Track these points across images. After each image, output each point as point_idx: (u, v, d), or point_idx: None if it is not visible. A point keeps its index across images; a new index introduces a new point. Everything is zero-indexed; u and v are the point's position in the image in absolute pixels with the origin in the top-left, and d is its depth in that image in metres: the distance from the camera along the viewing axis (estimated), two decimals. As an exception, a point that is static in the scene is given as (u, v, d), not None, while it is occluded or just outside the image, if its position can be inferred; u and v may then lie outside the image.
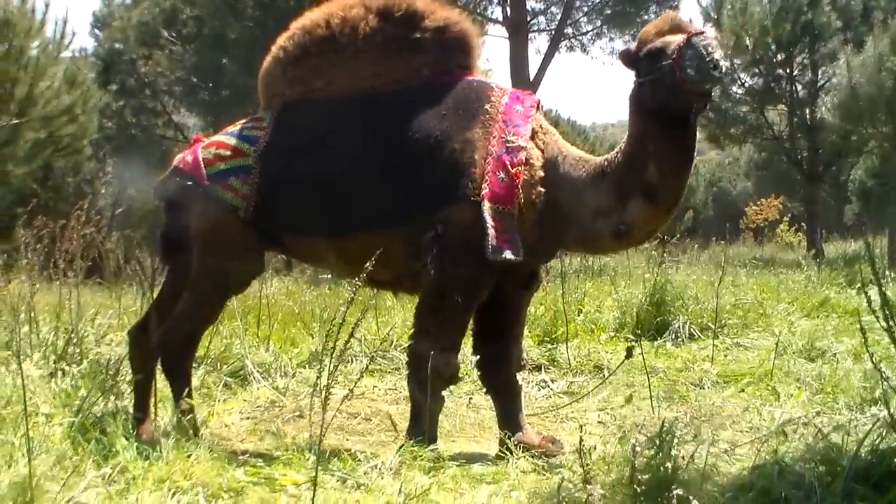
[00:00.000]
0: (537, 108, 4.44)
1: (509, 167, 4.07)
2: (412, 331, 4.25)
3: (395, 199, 4.19)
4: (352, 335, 3.11)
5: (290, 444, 4.12)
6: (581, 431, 3.74)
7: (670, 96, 3.93)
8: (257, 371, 5.98)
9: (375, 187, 4.23)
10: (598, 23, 27.96)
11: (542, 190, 4.20)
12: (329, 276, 9.79)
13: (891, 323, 2.69)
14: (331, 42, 4.43)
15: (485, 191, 4.02)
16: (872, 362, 2.97)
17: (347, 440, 4.75)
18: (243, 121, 4.64)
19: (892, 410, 3.09)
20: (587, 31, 28.34)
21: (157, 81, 28.11)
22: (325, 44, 4.44)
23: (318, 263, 4.80)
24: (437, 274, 4.08)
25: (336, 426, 4.85)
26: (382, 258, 4.14)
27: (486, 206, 4.00)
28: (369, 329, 7.13)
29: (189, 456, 3.57)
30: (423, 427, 4.13)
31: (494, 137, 4.15)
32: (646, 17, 27.04)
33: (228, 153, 4.39)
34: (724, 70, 4.00)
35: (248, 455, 3.97)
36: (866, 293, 3.00)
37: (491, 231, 3.96)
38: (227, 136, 4.51)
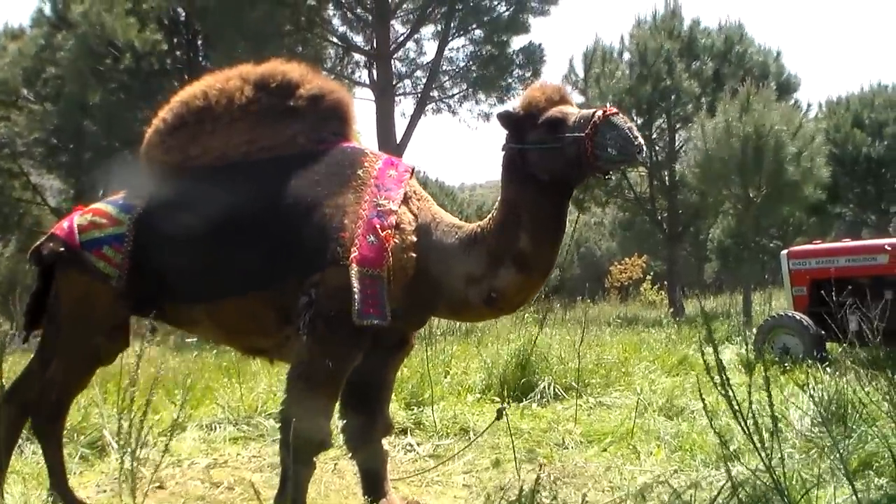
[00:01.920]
0: (411, 174, 4.45)
1: (379, 230, 4.04)
2: (283, 397, 4.18)
3: (266, 264, 4.14)
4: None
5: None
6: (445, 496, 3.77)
7: (568, 167, 3.96)
8: (116, 441, 5.77)
9: (246, 252, 4.17)
10: (464, 85, 28.46)
11: (414, 255, 4.18)
12: (195, 341, 9.60)
13: (727, 385, 2.79)
14: (207, 112, 4.43)
15: (354, 254, 3.98)
16: (712, 425, 3.06)
17: (209, 511, 4.63)
18: (122, 192, 4.59)
19: (731, 474, 3.19)
20: (454, 94, 28.82)
21: (15, 142, 27.19)
22: (202, 113, 4.43)
23: (196, 330, 4.67)
24: (309, 340, 4.01)
25: (198, 496, 4.73)
26: (257, 324, 4.09)
27: (354, 269, 3.95)
28: (233, 395, 7.00)
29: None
30: (290, 494, 4.05)
31: (366, 202, 4.13)
32: (509, 80, 27.76)
33: (104, 221, 4.34)
34: (644, 151, 4.08)
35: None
36: (703, 356, 3.09)
37: (357, 295, 3.92)
38: (105, 204, 4.47)
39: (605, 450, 5.79)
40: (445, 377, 8.13)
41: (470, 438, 6.03)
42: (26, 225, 29.77)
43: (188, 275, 4.23)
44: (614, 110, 3.94)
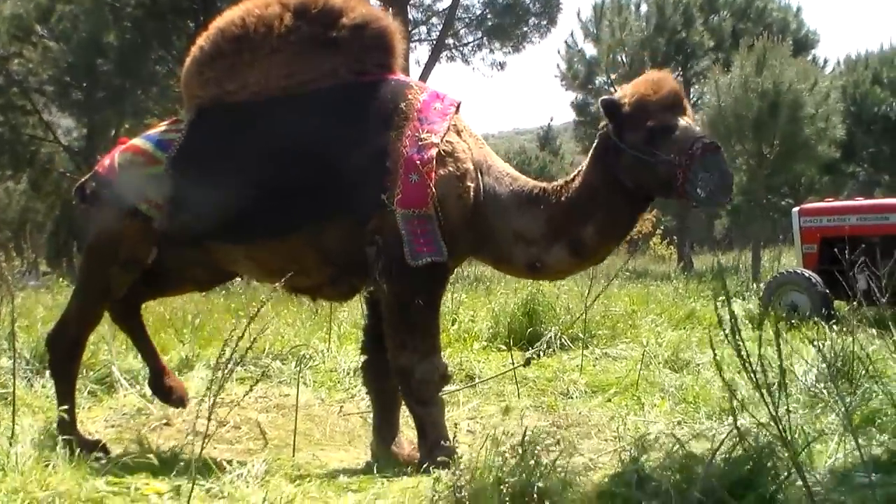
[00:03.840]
0: (457, 108, 4.32)
1: (420, 167, 3.95)
2: (390, 347, 4.12)
3: (305, 206, 4.09)
4: (234, 349, 3.05)
5: (156, 452, 4.03)
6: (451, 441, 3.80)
7: (656, 186, 3.92)
8: (124, 378, 5.83)
9: (284, 194, 4.11)
10: (479, 34, 28.24)
11: (471, 184, 4.11)
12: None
13: (737, 336, 2.79)
14: (245, 40, 4.29)
15: (398, 196, 3.93)
16: (722, 377, 3.07)
17: (215, 449, 4.66)
18: (165, 122, 4.55)
19: (738, 425, 3.20)
20: (468, 42, 28.61)
21: (28, 79, 27.08)
22: (240, 42, 4.30)
23: (238, 268, 4.61)
24: (390, 287, 3.99)
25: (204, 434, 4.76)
26: (298, 265, 4.04)
27: (399, 213, 3.92)
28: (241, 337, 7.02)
29: (47, 465, 3.46)
30: (430, 437, 4.01)
31: (407, 137, 4.03)
32: (524, 29, 27.48)
33: (142, 160, 4.32)
34: (732, 195, 3.98)
35: (111, 464, 3.87)
36: (716, 309, 3.09)
37: (406, 237, 3.91)
38: (144, 141, 4.42)
39: (609, 400, 5.82)
40: (453, 325, 8.16)
41: (476, 386, 6.07)
42: (39, 163, 29.75)
43: (226, 216, 4.12)
44: (715, 145, 3.84)
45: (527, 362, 4.88)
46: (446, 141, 4.10)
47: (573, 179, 4.19)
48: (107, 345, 6.32)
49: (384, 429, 4.45)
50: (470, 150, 4.19)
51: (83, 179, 4.52)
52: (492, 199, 4.17)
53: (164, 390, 4.73)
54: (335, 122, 4.14)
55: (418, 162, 3.95)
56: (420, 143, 4.01)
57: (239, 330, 2.92)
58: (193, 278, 4.67)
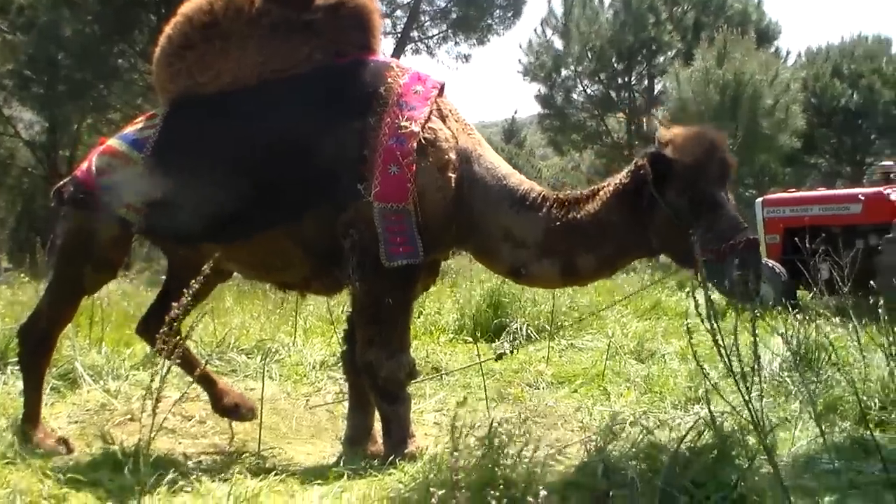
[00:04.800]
0: (440, 90, 4.18)
1: (400, 158, 3.82)
2: (358, 343, 4.06)
3: (284, 199, 3.96)
4: (186, 336, 3.02)
5: (120, 447, 3.98)
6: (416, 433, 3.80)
7: (682, 254, 3.77)
8: (88, 373, 5.75)
9: (261, 188, 3.96)
10: (444, 27, 28.23)
11: (453, 176, 3.97)
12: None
13: (714, 324, 2.81)
14: (214, 28, 4.13)
15: (375, 189, 3.80)
16: (697, 361, 3.08)
17: (180, 443, 4.63)
18: (141, 119, 4.41)
19: (711, 408, 3.22)
20: (433, 35, 28.59)
21: (-13, 73, 26.70)
22: (209, 30, 4.14)
23: (225, 266, 4.40)
24: (362, 283, 3.90)
25: (169, 429, 4.72)
26: (282, 260, 3.98)
27: (377, 206, 3.80)
28: (206, 330, 6.97)
29: (8, 462, 3.42)
30: (394, 434, 3.98)
31: (387, 125, 3.88)
32: (489, 22, 27.51)
33: (119, 162, 4.21)
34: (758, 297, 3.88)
35: (73, 460, 3.83)
36: (694, 296, 3.10)
37: (382, 235, 3.80)
38: (119, 142, 4.29)
39: (575, 391, 5.83)
40: (419, 317, 8.14)
41: (442, 378, 6.06)
42: (-1, 158, 29.42)
43: (202, 216, 3.98)
44: (756, 242, 3.79)
45: (499, 357, 4.86)
46: (428, 128, 3.97)
47: (587, 200, 4.03)
48: (70, 340, 6.25)
49: (357, 418, 4.35)
50: (454, 138, 4.06)
51: (61, 183, 4.44)
52: (480, 190, 4.05)
53: (231, 409, 4.68)
54: (312, 109, 3.99)
55: (398, 153, 3.83)
56: (400, 131, 3.88)
57: (203, 324, 2.86)
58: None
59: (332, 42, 4.15)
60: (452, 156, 3.99)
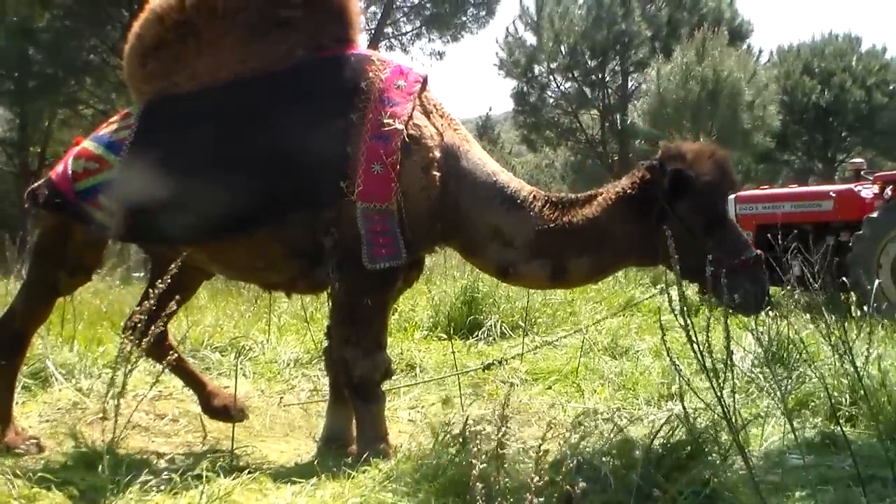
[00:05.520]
0: (423, 84, 4.10)
1: (384, 156, 3.75)
2: (334, 340, 4.06)
3: (265, 199, 3.88)
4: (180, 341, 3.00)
5: (91, 446, 3.95)
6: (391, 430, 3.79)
7: (689, 267, 3.48)
8: (59, 372, 5.71)
9: (243, 188, 3.87)
10: (418, 23, 28.25)
11: (437, 174, 3.91)
12: (142, 274, 9.48)
13: (687, 321, 2.82)
14: (187, 27, 4.04)
15: (358, 188, 3.75)
16: (670, 358, 3.09)
17: (153, 442, 4.60)
18: (116, 119, 4.30)
19: (684, 405, 3.24)
20: (407, 32, 28.60)
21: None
22: (182, 28, 4.04)
23: (209, 268, 4.37)
24: (341, 283, 3.87)
25: (142, 427, 4.70)
26: (266, 260, 3.94)
27: (359, 206, 3.75)
28: (180, 328, 6.94)
29: (-25, 463, 3.39)
30: (369, 433, 3.95)
31: (369, 122, 3.81)
32: (463, 19, 27.57)
33: (95, 165, 4.09)
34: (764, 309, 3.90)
35: (44, 459, 3.80)
36: (666, 292, 3.13)
37: (365, 236, 3.75)
38: (94, 143, 4.17)
39: (549, 387, 5.84)
40: (394, 314, 8.12)
41: (416, 375, 6.06)
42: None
43: (181, 219, 3.88)
44: (763, 258, 3.82)
45: (487, 367, 4.85)
46: (412, 125, 3.91)
47: (583, 204, 3.99)
48: (42, 338, 6.20)
49: (336, 414, 4.31)
50: (439, 135, 4.00)
51: (35, 185, 4.35)
52: (468, 187, 3.99)
53: (220, 410, 4.65)
54: (292, 106, 3.93)
55: (382, 152, 3.76)
56: (383, 129, 3.81)
57: (177, 322, 2.85)
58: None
59: (310, 37, 4.08)
60: (437, 153, 3.94)
